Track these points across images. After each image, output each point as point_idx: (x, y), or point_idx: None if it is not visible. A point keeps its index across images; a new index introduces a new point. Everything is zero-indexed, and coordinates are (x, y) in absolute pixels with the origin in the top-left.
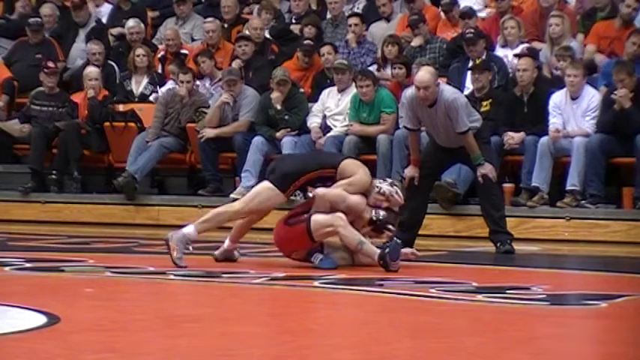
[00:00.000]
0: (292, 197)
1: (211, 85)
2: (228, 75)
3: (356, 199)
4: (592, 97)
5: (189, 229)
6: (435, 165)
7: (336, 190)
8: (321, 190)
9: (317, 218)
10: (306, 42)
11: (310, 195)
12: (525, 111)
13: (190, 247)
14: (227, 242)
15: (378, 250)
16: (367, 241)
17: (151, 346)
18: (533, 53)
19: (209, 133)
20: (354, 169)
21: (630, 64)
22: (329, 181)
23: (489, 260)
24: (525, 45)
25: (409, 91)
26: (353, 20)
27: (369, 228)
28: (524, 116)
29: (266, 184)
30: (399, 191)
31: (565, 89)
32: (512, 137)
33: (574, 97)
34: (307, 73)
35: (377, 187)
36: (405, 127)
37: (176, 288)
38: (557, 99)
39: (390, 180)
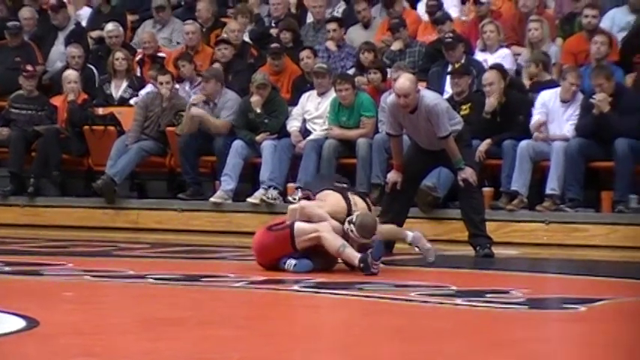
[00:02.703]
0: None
1: (191, 88)
2: (204, 72)
3: (335, 225)
4: (580, 103)
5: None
6: (416, 169)
7: (319, 211)
8: (305, 203)
9: (301, 225)
10: (273, 45)
11: (293, 200)
12: (499, 120)
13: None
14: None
15: (359, 254)
16: (349, 246)
17: (130, 350)
18: (501, 65)
19: (197, 111)
20: (329, 197)
21: (608, 69)
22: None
23: (469, 264)
24: (503, 49)
25: (390, 98)
26: (331, 26)
27: None
28: (497, 125)
29: None
30: (353, 230)
31: (555, 90)
32: (482, 151)
33: (564, 101)
34: (281, 77)
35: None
36: (387, 134)
37: (155, 291)
38: (547, 97)
39: (354, 216)
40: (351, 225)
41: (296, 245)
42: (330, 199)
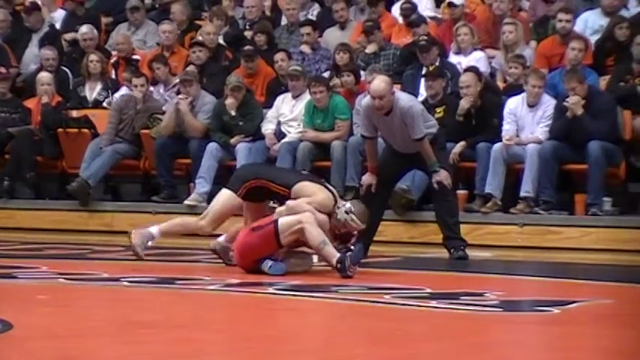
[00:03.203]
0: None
1: (165, 91)
2: (184, 75)
3: (322, 218)
4: (548, 105)
5: (154, 229)
6: (391, 171)
7: (307, 207)
8: (291, 203)
9: (285, 219)
10: (246, 48)
11: (277, 206)
12: (474, 123)
13: (150, 243)
14: (223, 238)
15: (338, 254)
16: (329, 244)
17: (106, 353)
18: (477, 68)
19: (183, 106)
20: (312, 191)
21: (581, 72)
22: (283, 199)
23: (443, 266)
24: (477, 52)
25: (365, 100)
26: (305, 29)
27: (335, 243)
28: (472, 128)
29: (222, 189)
30: (354, 218)
31: (522, 95)
32: (456, 153)
33: (531, 105)
34: (255, 80)
35: (336, 212)
36: (362, 136)
37: (130, 294)
38: (513, 105)
39: (347, 205)
40: (351, 214)
41: (281, 241)
42: (320, 195)
